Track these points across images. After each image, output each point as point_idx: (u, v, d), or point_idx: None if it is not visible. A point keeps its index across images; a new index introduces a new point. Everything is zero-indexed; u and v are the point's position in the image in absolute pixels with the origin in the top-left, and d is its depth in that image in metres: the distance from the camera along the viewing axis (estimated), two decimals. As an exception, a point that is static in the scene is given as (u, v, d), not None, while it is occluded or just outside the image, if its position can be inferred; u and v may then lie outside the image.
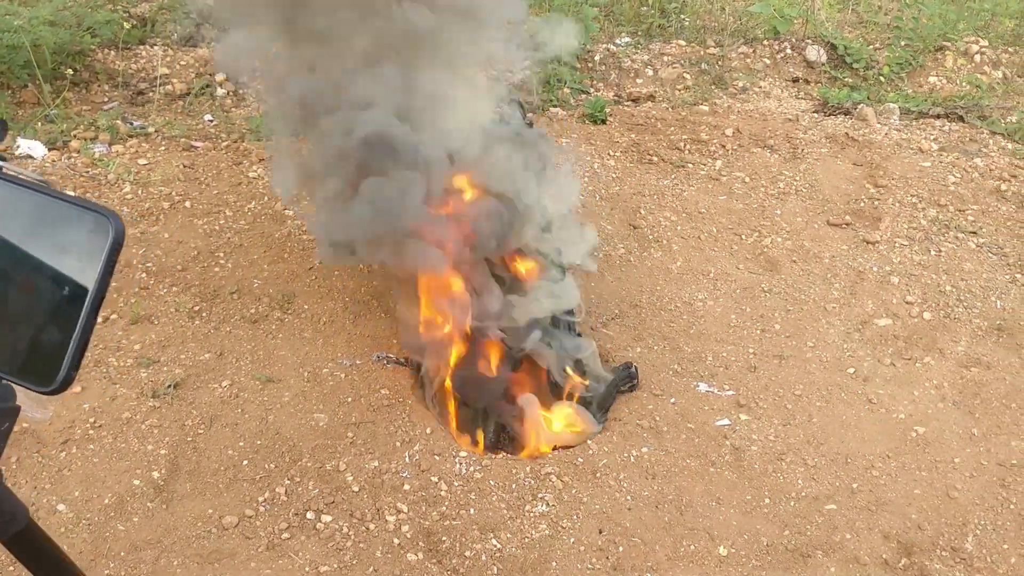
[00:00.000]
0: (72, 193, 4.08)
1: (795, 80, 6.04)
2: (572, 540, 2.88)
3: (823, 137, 5.19)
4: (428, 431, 3.20)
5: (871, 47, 6.26)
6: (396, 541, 2.79)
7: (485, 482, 3.03)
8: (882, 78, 5.99)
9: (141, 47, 5.40)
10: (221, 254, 3.88)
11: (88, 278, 0.99)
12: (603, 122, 5.24)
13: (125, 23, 5.30)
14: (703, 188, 4.69)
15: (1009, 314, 3.96)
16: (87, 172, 4.26)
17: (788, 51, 6.17)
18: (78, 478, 2.85)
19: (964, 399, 3.56)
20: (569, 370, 3.44)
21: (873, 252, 4.31)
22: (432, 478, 3.02)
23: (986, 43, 6.22)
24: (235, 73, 4.96)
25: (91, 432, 3.00)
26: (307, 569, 2.68)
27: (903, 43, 6.19)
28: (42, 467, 2.87)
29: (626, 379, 3.51)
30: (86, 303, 0.98)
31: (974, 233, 4.45)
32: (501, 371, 3.36)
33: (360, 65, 3.08)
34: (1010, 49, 6.28)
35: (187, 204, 4.12)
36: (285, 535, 2.77)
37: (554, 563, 2.79)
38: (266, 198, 4.21)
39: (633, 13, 6.43)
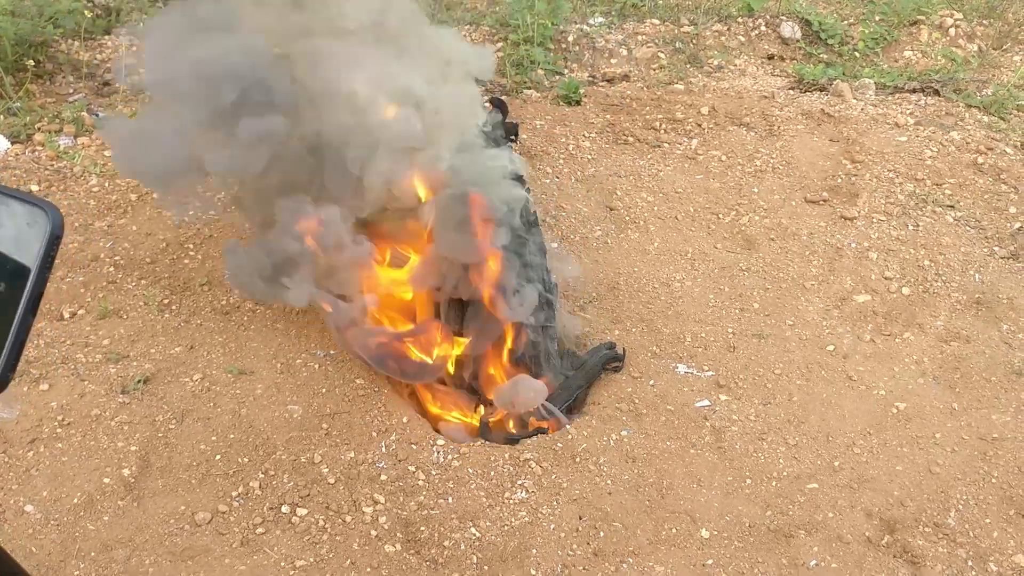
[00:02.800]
0: (37, 188, 4.01)
1: (770, 57, 5.99)
2: (552, 526, 2.84)
3: (799, 114, 5.15)
4: (404, 420, 3.15)
5: (845, 22, 6.22)
6: (373, 533, 2.75)
7: (463, 470, 2.99)
8: (857, 53, 5.96)
9: (106, 37, 5.30)
10: (191, 245, 3.81)
11: (24, 274, 0.94)
12: (578, 103, 5.18)
13: (88, 12, 5.19)
14: (679, 168, 4.64)
15: (988, 287, 3.94)
16: (52, 165, 4.17)
17: (762, 28, 6.12)
18: (46, 477, 2.78)
19: (944, 374, 3.55)
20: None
21: (851, 228, 4.28)
22: (409, 467, 2.97)
23: (960, 16, 6.19)
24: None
25: (59, 430, 2.93)
26: (283, 564, 2.63)
27: (877, 18, 6.16)
28: (8, 467, 2.80)
29: (613, 358, 3.47)
30: (22, 300, 0.93)
31: (951, 207, 4.43)
32: None
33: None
34: (985, 22, 6.26)
35: (155, 196, 4.04)
36: (260, 530, 2.72)
37: (534, 550, 2.76)
38: (235, 187, 4.13)
39: (606, -8, 6.38)
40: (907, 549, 2.86)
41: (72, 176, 4.13)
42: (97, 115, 4.66)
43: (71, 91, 4.89)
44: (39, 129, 4.46)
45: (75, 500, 2.72)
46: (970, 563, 2.84)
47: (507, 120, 4.30)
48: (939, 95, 5.42)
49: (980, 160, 4.76)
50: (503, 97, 5.11)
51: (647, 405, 3.32)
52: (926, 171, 4.67)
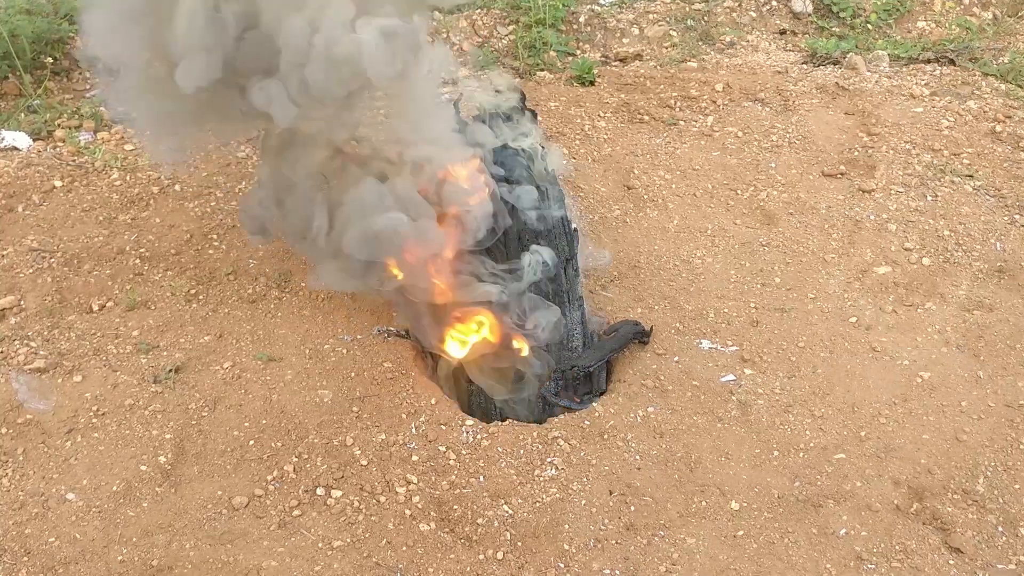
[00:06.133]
0: (60, 183, 4.05)
1: (782, 32, 5.97)
2: (583, 502, 2.87)
3: (813, 88, 5.14)
4: (433, 402, 3.19)
5: (857, -5, 6.19)
6: (407, 512, 2.79)
7: (492, 449, 3.03)
8: (869, 26, 5.93)
9: (121, 32, 5.33)
10: (214, 236, 3.84)
11: None
12: (591, 84, 5.18)
13: (103, 8, 5.22)
14: (696, 145, 4.65)
15: (1010, 255, 3.94)
16: (74, 161, 4.21)
17: (774, 3, 6.10)
18: (85, 466, 2.84)
19: (968, 342, 3.55)
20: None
21: (869, 200, 4.28)
22: (440, 448, 3.01)
23: (973, -16, 6.16)
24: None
25: (95, 420, 2.99)
26: (320, 545, 2.68)
27: (889, -11, 6.13)
28: (49, 457, 2.86)
29: (640, 333, 3.49)
30: None
31: (970, 176, 4.43)
32: None
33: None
34: (998, -11, 6.22)
35: (176, 187, 4.08)
36: (296, 512, 2.77)
37: (567, 526, 2.79)
38: (256, 178, 4.17)
39: (616, -28, 6.36)
40: (936, 516, 2.88)
41: (94, 171, 4.17)
42: (116, 110, 4.70)
43: (88, 87, 4.93)
44: (59, 125, 4.51)
45: (114, 487, 2.77)
46: (1000, 528, 2.86)
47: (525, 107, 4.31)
48: (954, 64, 5.39)
49: (998, 128, 4.74)
50: (517, 81, 5.13)
51: (672, 381, 3.34)
52: (943, 141, 4.66)
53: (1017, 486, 2.98)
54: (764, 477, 3.00)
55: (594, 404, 3.26)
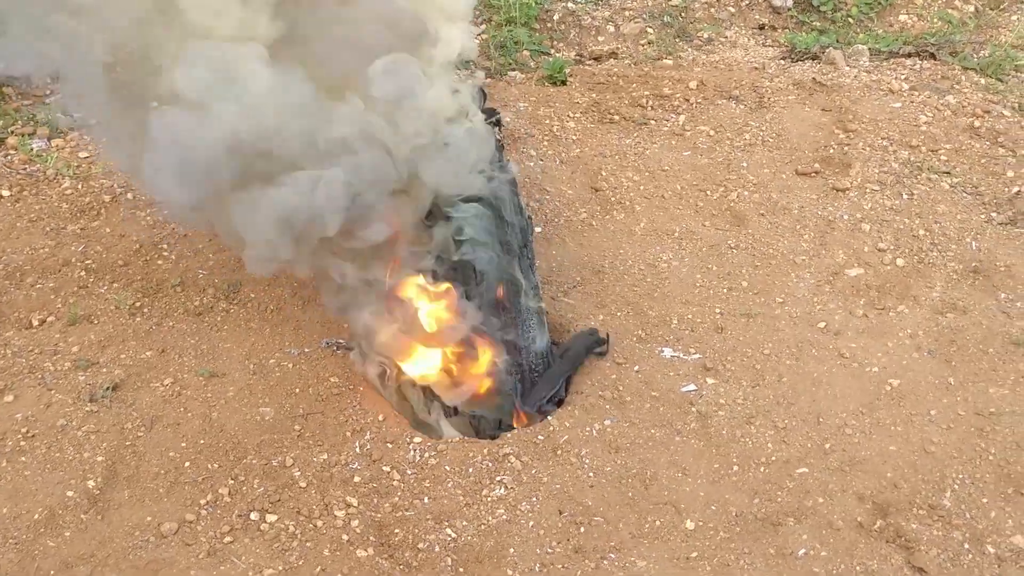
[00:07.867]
0: (8, 193, 3.94)
1: (761, 27, 5.84)
2: (531, 524, 2.75)
3: (790, 84, 5.01)
4: (380, 418, 3.07)
5: (838, -13, 6.06)
6: (345, 537, 2.67)
7: (440, 468, 2.91)
8: (851, 19, 5.80)
9: (81, 36, 5.21)
10: (165, 246, 3.73)
11: None
12: (563, 83, 5.06)
13: (61, 12, 5.10)
14: (666, 145, 4.52)
15: (985, 255, 3.81)
16: (24, 169, 4.10)
17: (753, -3, 5.97)
18: (7, 494, 2.71)
19: (940, 347, 3.43)
20: None
21: (843, 200, 4.15)
22: (384, 468, 2.89)
23: (957, -24, 6.02)
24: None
25: (23, 443, 2.87)
26: (250, 574, 2.55)
27: (871, -19, 5.99)
28: (-30, 485, 2.75)
29: (597, 342, 3.36)
30: None
31: (947, 173, 4.30)
32: None
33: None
34: (982, -20, 6.08)
35: (129, 196, 3.96)
36: (227, 539, 2.65)
37: (512, 550, 2.67)
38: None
39: (592, -32, 6.22)
40: (900, 533, 2.75)
41: (45, 179, 4.06)
42: (72, 116, 4.58)
43: (48, 92, 4.81)
44: (12, 132, 4.39)
45: (36, 516, 2.65)
46: (966, 546, 2.73)
47: (486, 107, 4.19)
48: (935, 59, 5.26)
49: (977, 124, 4.61)
50: (486, 81, 5.00)
51: (631, 392, 3.22)
52: (921, 137, 4.53)
53: (985, 500, 2.86)
54: (722, 494, 2.88)
55: (549, 418, 3.14)
